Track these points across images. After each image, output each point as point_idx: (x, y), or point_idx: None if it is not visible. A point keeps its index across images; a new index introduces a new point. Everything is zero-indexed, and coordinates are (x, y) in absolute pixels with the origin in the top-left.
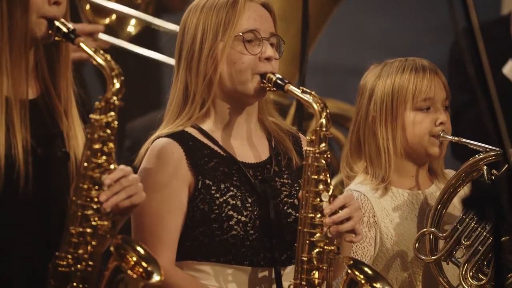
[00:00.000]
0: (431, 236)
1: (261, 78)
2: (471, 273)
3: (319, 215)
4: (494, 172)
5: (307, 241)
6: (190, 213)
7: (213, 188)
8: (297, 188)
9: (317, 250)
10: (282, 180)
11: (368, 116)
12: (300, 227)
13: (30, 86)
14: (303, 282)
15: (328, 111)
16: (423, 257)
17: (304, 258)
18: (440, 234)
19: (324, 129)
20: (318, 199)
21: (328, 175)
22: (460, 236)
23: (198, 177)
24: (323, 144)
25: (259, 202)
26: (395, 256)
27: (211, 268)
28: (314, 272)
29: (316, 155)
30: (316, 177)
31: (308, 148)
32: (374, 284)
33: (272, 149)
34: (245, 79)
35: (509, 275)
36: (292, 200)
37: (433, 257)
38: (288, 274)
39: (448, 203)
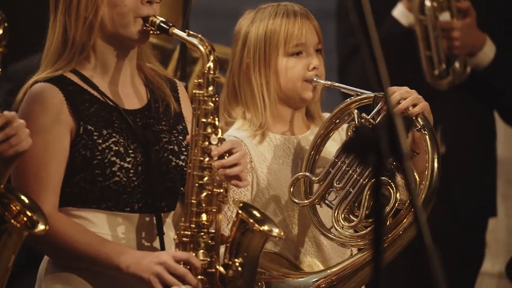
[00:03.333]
0: (305, 180)
1: (144, 22)
2: (342, 215)
3: (207, 158)
4: (364, 115)
5: (196, 184)
6: (71, 159)
7: (95, 133)
8: (176, 135)
9: (205, 193)
10: (161, 127)
11: (242, 63)
12: (189, 170)
13: None
14: (192, 225)
15: (215, 54)
16: (297, 201)
17: (193, 201)
18: (314, 178)
19: (212, 72)
20: (207, 142)
21: (216, 118)
22: (332, 179)
23: (80, 122)
24: (211, 87)
25: (140, 149)
26: (271, 200)
27: (92, 214)
28: (202, 214)
29: (205, 98)
30: (204, 120)
31: (196, 91)
32: (262, 226)
33: (150, 95)
34: (127, 22)
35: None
36: (172, 147)
37: (306, 201)
38: (170, 221)
39: (322, 147)
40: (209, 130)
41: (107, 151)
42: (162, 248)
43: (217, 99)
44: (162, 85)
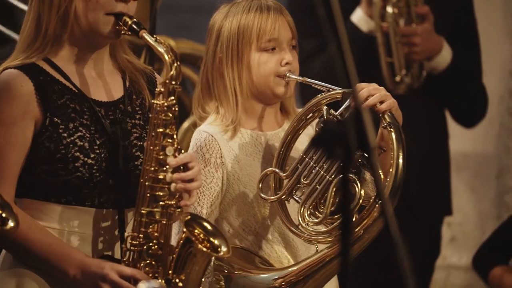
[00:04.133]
0: (275, 176)
1: (117, 20)
2: (308, 212)
3: (162, 169)
4: (332, 112)
5: (148, 195)
6: (34, 149)
7: (61, 127)
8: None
9: (157, 204)
10: (133, 121)
11: (215, 57)
12: (142, 180)
13: None
14: (140, 235)
15: (178, 63)
16: (265, 197)
17: (143, 211)
18: (282, 174)
19: (173, 82)
20: (162, 153)
21: (174, 129)
22: (300, 175)
23: (47, 114)
24: (172, 97)
25: (108, 143)
26: (242, 195)
27: (50, 208)
28: (152, 225)
29: (164, 108)
30: (162, 130)
31: (156, 101)
32: (212, 240)
33: (125, 88)
34: (97, 19)
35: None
36: (141, 143)
37: (274, 197)
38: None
39: (293, 143)
40: (165, 141)
41: (71, 145)
42: (122, 244)
43: (176, 109)
44: (138, 77)
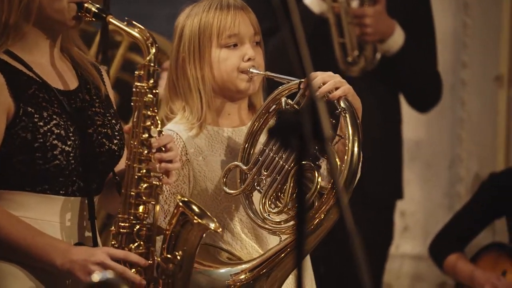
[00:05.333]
0: (240, 170)
1: (78, 8)
2: (269, 202)
3: (146, 151)
4: (289, 102)
5: (135, 176)
6: (7, 141)
7: (36, 116)
8: (109, 118)
9: (145, 185)
10: (94, 109)
11: (179, 57)
12: (129, 162)
13: None
14: (130, 217)
15: (157, 45)
16: (229, 191)
17: (132, 193)
18: (244, 167)
19: (152, 64)
20: (147, 135)
21: (156, 111)
22: (261, 167)
23: (19, 104)
24: (152, 80)
25: (77, 132)
26: (209, 192)
27: (24, 197)
28: (140, 206)
29: (146, 90)
30: (144, 112)
31: (137, 83)
32: (201, 221)
33: (79, 77)
34: (61, 7)
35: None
36: (105, 130)
37: (235, 191)
38: None
39: (257, 137)
40: (148, 123)
41: (48, 134)
42: (94, 232)
43: (157, 91)
44: (90, 67)
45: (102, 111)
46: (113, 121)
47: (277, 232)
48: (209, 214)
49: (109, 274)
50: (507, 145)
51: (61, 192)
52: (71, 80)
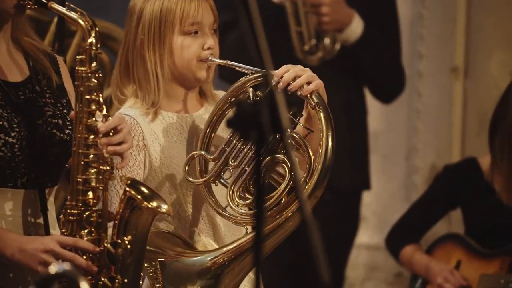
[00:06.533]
0: (200, 159)
1: None
2: (238, 193)
3: (92, 136)
4: (259, 93)
5: (82, 162)
6: None
7: None
8: (61, 108)
9: (92, 170)
10: (44, 100)
11: (136, 40)
12: (74, 148)
13: None
14: (78, 203)
15: (97, 29)
16: (192, 180)
17: (79, 179)
18: (209, 156)
19: (94, 48)
20: (92, 119)
21: (100, 95)
22: (227, 158)
23: None
24: (94, 64)
25: (24, 123)
26: (164, 178)
27: None
28: (89, 192)
29: (88, 74)
30: (88, 97)
31: (79, 68)
32: (151, 203)
33: (30, 68)
34: None
35: (273, 193)
36: (56, 121)
37: (201, 179)
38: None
39: (217, 125)
40: (93, 107)
41: None
42: (46, 224)
43: (100, 75)
44: (41, 58)
45: (53, 101)
46: (65, 111)
47: (243, 223)
48: (160, 195)
49: (66, 266)
50: (463, 136)
51: (9, 184)
52: (22, 71)
